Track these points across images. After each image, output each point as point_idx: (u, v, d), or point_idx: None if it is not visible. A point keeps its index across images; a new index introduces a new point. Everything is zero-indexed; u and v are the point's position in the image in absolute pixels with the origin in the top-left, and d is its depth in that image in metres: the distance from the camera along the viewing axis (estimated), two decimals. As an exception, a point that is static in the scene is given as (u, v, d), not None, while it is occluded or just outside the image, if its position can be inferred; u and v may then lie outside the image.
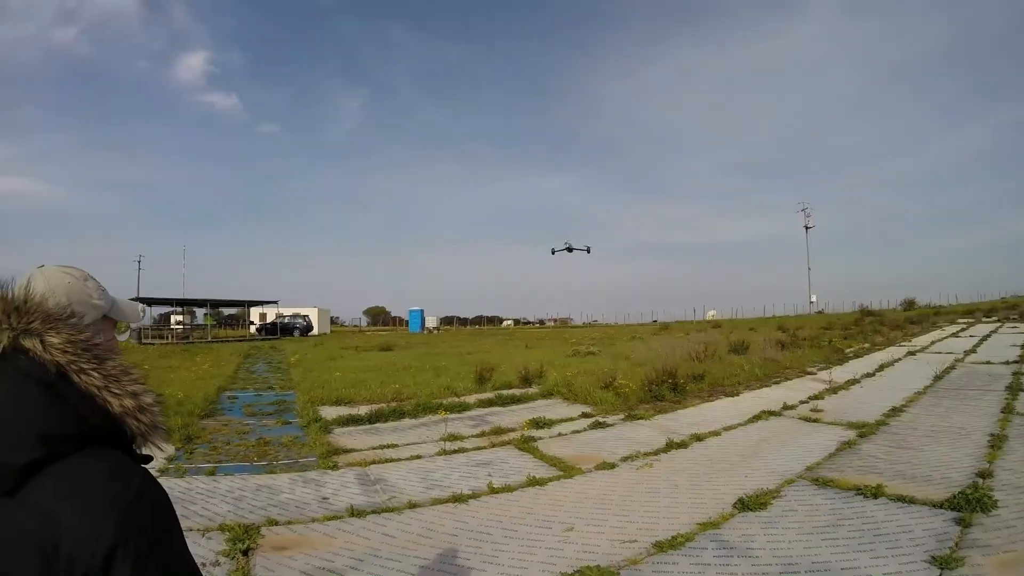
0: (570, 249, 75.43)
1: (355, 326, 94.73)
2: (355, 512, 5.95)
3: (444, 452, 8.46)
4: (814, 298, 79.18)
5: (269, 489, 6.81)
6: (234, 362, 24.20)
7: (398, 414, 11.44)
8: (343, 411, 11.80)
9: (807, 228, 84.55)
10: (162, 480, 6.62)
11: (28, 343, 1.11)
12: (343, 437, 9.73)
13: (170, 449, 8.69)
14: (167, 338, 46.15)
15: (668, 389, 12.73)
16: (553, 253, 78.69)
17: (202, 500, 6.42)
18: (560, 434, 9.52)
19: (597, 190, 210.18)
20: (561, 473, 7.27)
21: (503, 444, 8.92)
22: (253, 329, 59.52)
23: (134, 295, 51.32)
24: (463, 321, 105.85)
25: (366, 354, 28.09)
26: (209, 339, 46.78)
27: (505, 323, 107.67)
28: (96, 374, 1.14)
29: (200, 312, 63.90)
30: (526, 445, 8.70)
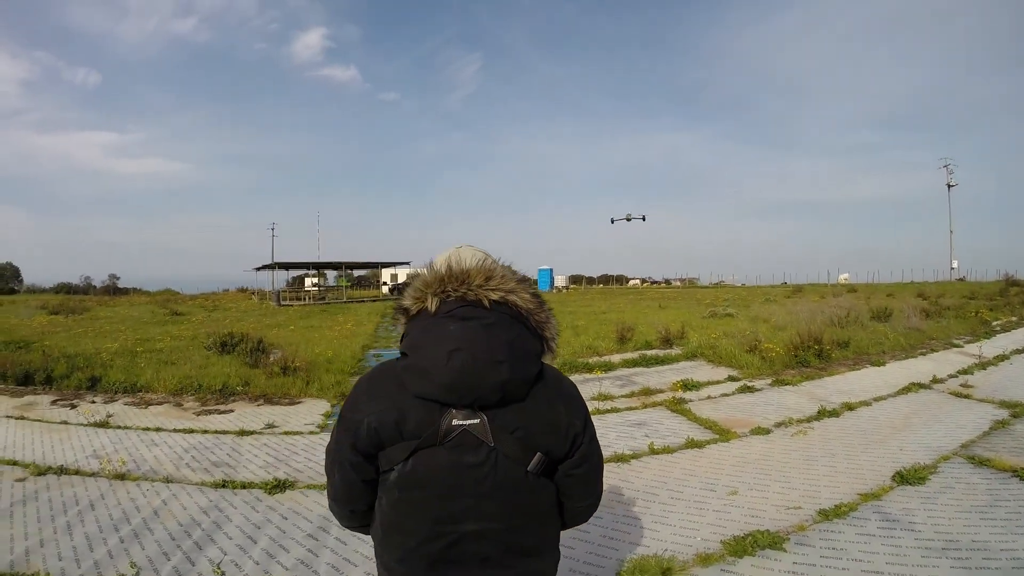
0: (629, 219, 77.99)
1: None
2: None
3: (597, 412, 8.40)
4: (955, 264, 73.75)
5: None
6: (373, 321, 25.13)
7: None
8: None
9: (949, 186, 78.92)
10: (323, 432, 6.80)
11: (512, 298, 1.64)
12: None
13: (327, 408, 9.07)
14: (304, 300, 48.67)
15: (813, 355, 12.37)
16: (612, 223, 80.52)
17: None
18: (710, 396, 9.38)
19: (723, 146, 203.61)
20: (717, 436, 7.19)
21: (654, 405, 8.84)
22: (385, 289, 61.86)
23: (269, 260, 54.40)
24: (590, 280, 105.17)
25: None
26: (344, 300, 48.90)
27: (632, 282, 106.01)
28: (541, 315, 1.70)
29: (331, 274, 66.62)
30: (678, 407, 8.60)
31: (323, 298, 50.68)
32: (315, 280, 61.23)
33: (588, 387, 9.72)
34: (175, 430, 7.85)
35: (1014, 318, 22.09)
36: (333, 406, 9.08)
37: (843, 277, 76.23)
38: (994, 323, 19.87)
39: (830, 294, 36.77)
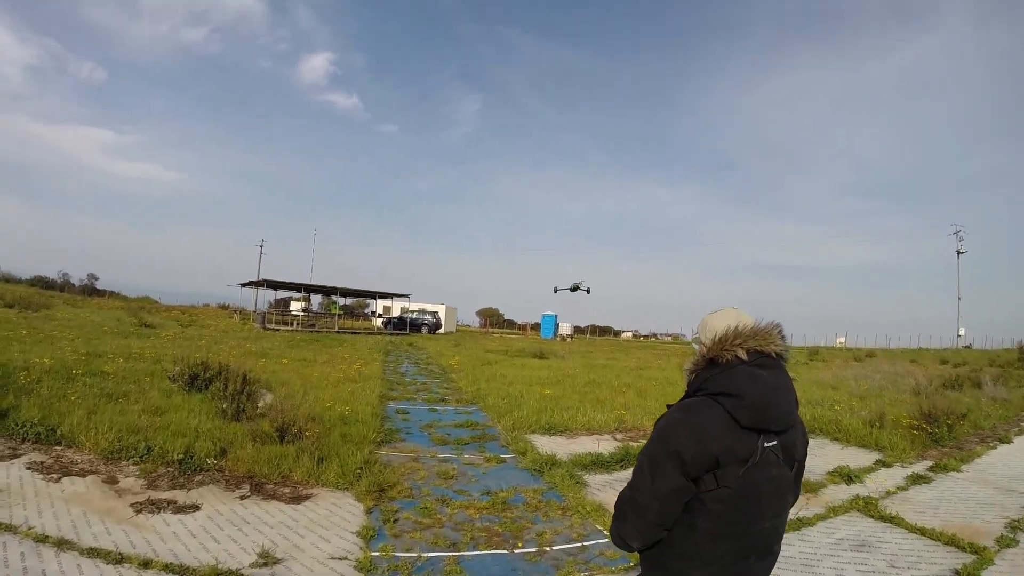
0: (574, 288, 75.72)
1: (468, 326, 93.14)
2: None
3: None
4: (962, 331, 73.34)
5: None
6: (377, 360, 21.57)
7: None
8: (566, 444, 9.44)
9: (959, 253, 77.49)
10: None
11: (785, 353, 2.18)
12: (604, 491, 7.04)
13: (357, 513, 5.60)
14: (292, 325, 44.77)
15: (945, 430, 11.24)
16: (556, 292, 78.01)
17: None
18: (888, 492, 7.77)
19: (708, 204, 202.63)
20: (973, 555, 5.61)
21: (841, 509, 6.94)
22: (379, 322, 58.09)
23: (255, 278, 50.83)
24: (578, 330, 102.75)
25: (521, 361, 24.95)
26: (336, 330, 45.03)
27: (624, 335, 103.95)
28: None
29: (316, 300, 63.38)
30: (875, 511, 6.83)
31: (313, 325, 46.74)
32: (303, 304, 57.39)
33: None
34: (87, 551, 4.36)
35: None
36: (370, 511, 5.55)
37: (840, 340, 76.26)
38: None
39: (851, 358, 36.16)
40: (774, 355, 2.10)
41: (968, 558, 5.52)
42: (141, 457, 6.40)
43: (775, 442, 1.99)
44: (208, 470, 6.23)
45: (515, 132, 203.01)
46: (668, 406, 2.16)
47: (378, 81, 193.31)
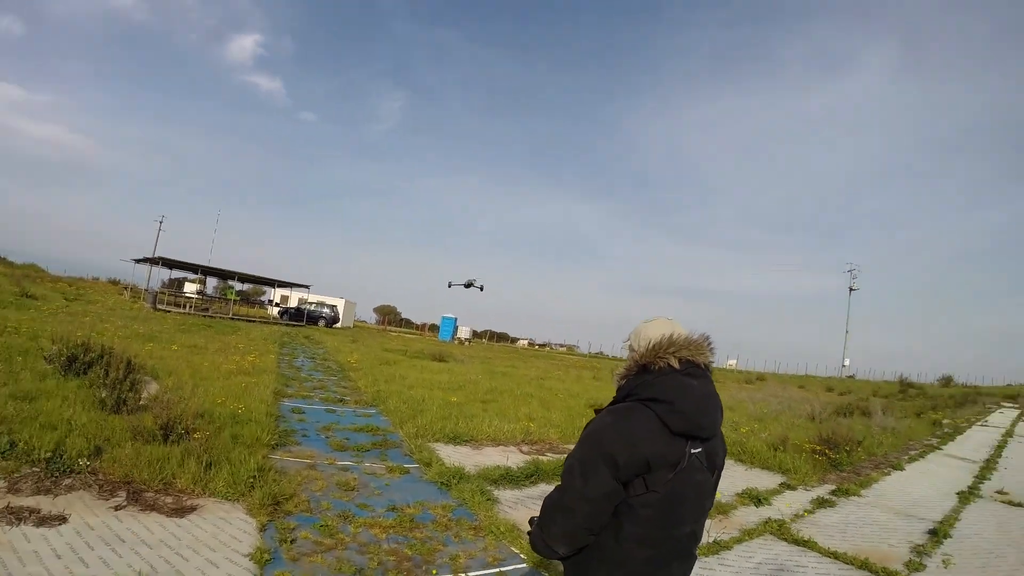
0: (468, 285, 75.95)
1: (364, 322, 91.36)
2: None
3: (701, 550, 5.83)
4: (847, 362, 77.56)
5: None
6: (272, 351, 20.59)
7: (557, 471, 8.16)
8: (472, 455, 9.14)
9: (851, 289, 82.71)
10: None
11: (711, 365, 2.25)
12: (516, 509, 6.80)
13: (249, 530, 5.05)
14: (184, 307, 42.49)
15: (844, 455, 11.82)
16: (450, 286, 78.34)
17: None
18: (796, 515, 7.88)
19: (616, 222, 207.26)
20: None
21: (755, 532, 6.90)
22: (274, 311, 55.94)
23: (151, 254, 48.17)
24: (476, 334, 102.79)
25: (420, 363, 24.38)
26: (231, 316, 43.08)
27: (520, 342, 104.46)
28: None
29: (211, 283, 60.80)
30: (788, 534, 6.90)
31: (206, 309, 44.38)
32: (198, 286, 54.63)
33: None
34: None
35: (949, 419, 23.26)
36: (263, 528, 5.01)
37: (731, 362, 78.65)
38: (944, 421, 21.94)
39: (742, 380, 37.26)
40: (703, 366, 2.18)
41: None
42: (3, 453, 5.57)
43: (700, 449, 2.07)
44: (80, 472, 5.46)
45: (436, 134, 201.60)
46: (596, 411, 2.22)
47: (304, 68, 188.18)
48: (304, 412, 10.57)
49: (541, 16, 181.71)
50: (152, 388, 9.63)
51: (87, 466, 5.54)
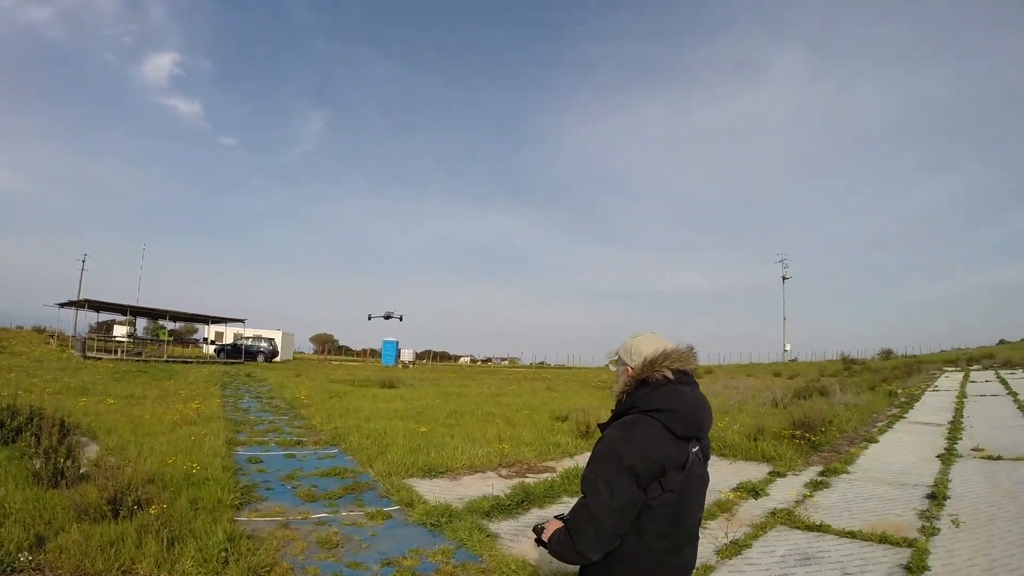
0: (387, 316, 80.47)
1: (302, 353, 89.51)
2: None
3: (722, 552, 5.84)
4: (788, 347, 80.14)
5: None
6: (214, 394, 19.51)
7: (551, 493, 8.22)
8: (452, 488, 8.63)
9: (784, 278, 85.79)
10: None
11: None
12: (519, 541, 6.26)
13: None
14: (116, 352, 40.42)
15: (821, 436, 12.14)
16: (370, 319, 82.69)
17: None
18: (798, 501, 7.85)
19: (546, 233, 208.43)
20: (911, 550, 5.80)
21: (768, 524, 6.79)
22: (210, 349, 53.88)
23: (75, 297, 45.85)
24: (418, 356, 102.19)
25: (371, 392, 23.57)
26: (165, 358, 41.14)
27: (462, 360, 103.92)
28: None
29: (140, 324, 58.44)
30: (799, 520, 6.87)
31: (139, 353, 42.26)
32: (129, 329, 52.13)
33: None
34: None
35: (901, 389, 25.03)
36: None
37: None
38: (898, 391, 23.33)
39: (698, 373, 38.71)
40: (690, 373, 2.37)
41: (905, 552, 5.74)
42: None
43: (697, 448, 2.25)
44: (22, 570, 4.57)
45: (359, 153, 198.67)
46: (600, 427, 2.38)
47: (223, 89, 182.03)
48: (262, 461, 9.75)
49: (462, 28, 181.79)
50: (91, 451, 8.72)
51: (29, 562, 4.64)
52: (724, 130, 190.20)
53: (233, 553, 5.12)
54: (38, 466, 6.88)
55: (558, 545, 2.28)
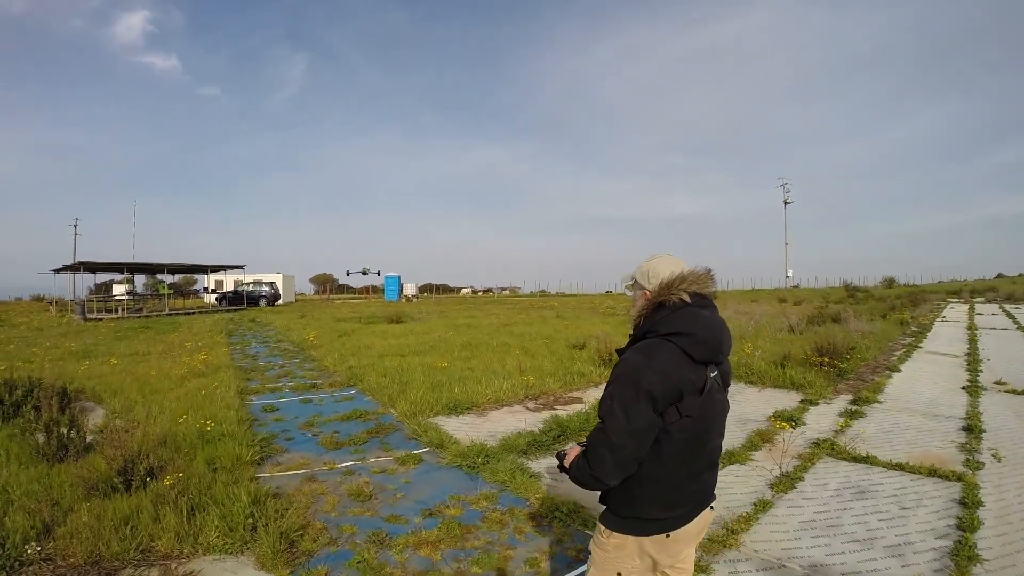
0: (364, 272, 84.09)
1: (304, 294, 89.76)
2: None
3: (775, 486, 5.68)
4: (790, 272, 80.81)
5: None
6: (221, 343, 19.05)
7: (587, 426, 7.61)
8: (481, 424, 8.21)
9: (786, 203, 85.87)
10: None
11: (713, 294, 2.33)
12: (564, 480, 5.69)
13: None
14: (116, 311, 39.85)
15: (846, 362, 11.83)
16: (348, 275, 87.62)
17: None
18: (836, 431, 7.71)
19: (538, 164, 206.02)
20: (961, 483, 5.69)
21: (813, 456, 6.62)
22: (212, 298, 53.46)
23: (71, 261, 45.17)
24: (422, 289, 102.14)
25: (380, 328, 23.16)
26: (167, 312, 40.63)
27: (463, 291, 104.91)
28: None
29: (139, 280, 57.96)
30: (844, 452, 6.70)
31: (140, 309, 41.70)
32: (128, 287, 51.52)
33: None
34: None
35: (911, 318, 24.36)
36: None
37: None
38: (909, 321, 22.92)
39: None
40: (709, 296, 2.31)
41: (955, 486, 5.61)
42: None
43: (716, 372, 2.20)
44: (31, 564, 4.05)
45: (343, 95, 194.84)
46: (618, 351, 2.33)
47: (198, 41, 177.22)
48: (278, 409, 9.30)
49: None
50: (97, 416, 8.25)
51: (38, 554, 4.12)
52: (716, 54, 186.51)
53: (260, 517, 4.65)
54: (40, 441, 6.38)
55: (577, 471, 2.26)
